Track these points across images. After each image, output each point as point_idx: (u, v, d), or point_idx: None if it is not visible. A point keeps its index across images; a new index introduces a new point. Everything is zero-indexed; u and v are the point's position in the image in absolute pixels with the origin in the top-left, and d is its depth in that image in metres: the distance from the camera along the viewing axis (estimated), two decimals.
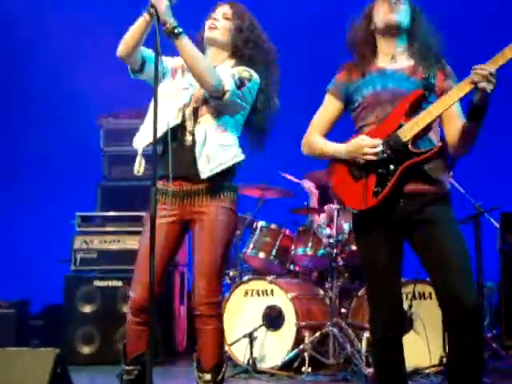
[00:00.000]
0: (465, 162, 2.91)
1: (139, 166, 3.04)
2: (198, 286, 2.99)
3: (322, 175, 5.18)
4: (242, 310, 4.81)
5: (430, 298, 4.56)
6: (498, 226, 5.16)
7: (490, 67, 2.54)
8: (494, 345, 4.91)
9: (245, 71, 3.06)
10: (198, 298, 2.99)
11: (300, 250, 4.95)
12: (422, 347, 4.47)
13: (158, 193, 2.88)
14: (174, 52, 3.00)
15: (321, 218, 5.23)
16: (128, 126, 5.40)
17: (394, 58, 2.84)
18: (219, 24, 3.16)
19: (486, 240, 4.88)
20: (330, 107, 2.92)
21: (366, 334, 4.52)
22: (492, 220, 5.09)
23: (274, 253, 5.04)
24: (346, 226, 4.90)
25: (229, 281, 5.15)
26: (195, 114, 3.05)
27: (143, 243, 2.97)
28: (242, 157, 3.08)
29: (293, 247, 5.01)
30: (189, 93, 3.07)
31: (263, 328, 4.71)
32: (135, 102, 4.85)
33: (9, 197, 6.52)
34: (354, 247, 4.81)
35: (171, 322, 5.38)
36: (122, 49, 3.02)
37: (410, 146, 2.68)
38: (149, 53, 3.06)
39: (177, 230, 3.04)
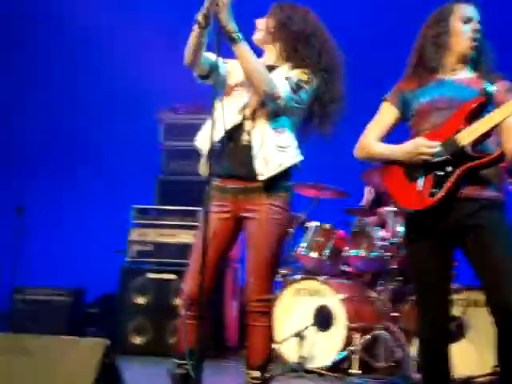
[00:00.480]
0: None
1: (204, 168, 3.08)
2: (250, 282, 3.02)
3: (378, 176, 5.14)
4: (293, 309, 4.82)
5: (485, 306, 4.47)
6: None
7: None
8: None
9: (303, 73, 3.06)
10: (249, 294, 3.02)
11: (353, 252, 4.94)
12: (475, 356, 4.39)
13: (213, 189, 2.96)
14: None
15: (375, 220, 5.20)
16: (187, 121, 5.48)
17: (454, 70, 2.86)
18: (260, 24, 3.19)
19: None
20: (386, 114, 2.92)
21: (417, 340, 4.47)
22: None
23: (326, 253, 5.04)
24: (401, 229, 4.85)
25: (281, 279, 5.16)
26: (254, 114, 3.06)
27: (199, 238, 2.98)
28: (299, 158, 3.08)
29: (346, 248, 4.99)
30: (249, 94, 3.09)
31: (313, 328, 4.70)
32: (195, 97, 4.90)
33: (69, 186, 6.66)
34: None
35: (223, 317, 5.42)
36: (186, 57, 3.06)
37: (469, 149, 2.66)
38: (214, 58, 3.02)
39: (231, 227, 3.07)
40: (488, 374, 4.27)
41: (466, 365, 4.03)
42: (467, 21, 2.81)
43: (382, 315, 4.70)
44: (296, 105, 3.04)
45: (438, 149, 2.67)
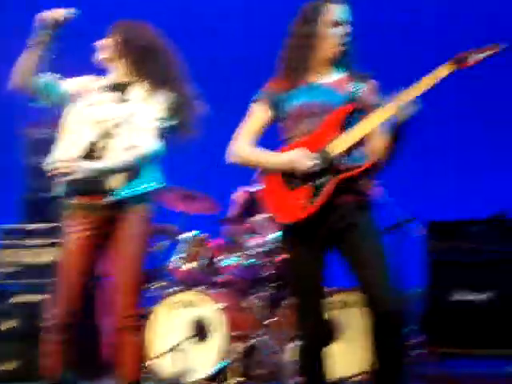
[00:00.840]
0: (390, 172, 2.96)
1: (59, 187, 3.06)
2: (117, 298, 2.97)
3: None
4: (169, 323, 4.72)
5: (357, 306, 4.59)
6: (422, 234, 5.26)
7: (415, 93, 2.62)
8: (418, 351, 4.98)
9: (162, 110, 3.12)
10: (117, 310, 2.98)
11: (228, 261, 4.93)
12: (349, 356, 4.48)
13: (72, 208, 2.96)
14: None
15: (248, 228, 5.21)
16: (51, 136, 5.26)
17: (321, 73, 2.91)
18: (103, 44, 3.24)
19: (410, 248, 4.96)
20: (258, 117, 2.92)
21: (293, 344, 4.51)
22: (417, 229, 5.18)
23: (201, 263, 4.99)
24: (273, 236, 4.89)
25: (156, 293, 5.06)
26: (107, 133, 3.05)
27: (62, 258, 2.99)
28: (155, 181, 3.12)
29: (220, 257, 4.97)
30: (99, 127, 3.07)
31: (190, 340, 4.63)
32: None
33: None
34: (280, 258, 4.81)
35: (95, 336, 5.23)
36: (16, 80, 3.04)
37: (342, 160, 2.75)
38: (48, 79, 3.06)
39: (93, 244, 3.05)
40: (362, 374, 4.37)
41: (341, 365, 4.08)
42: (336, 24, 2.83)
43: (258, 322, 4.71)
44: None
45: (315, 160, 2.73)
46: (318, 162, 2.73)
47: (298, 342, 2.92)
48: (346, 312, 4.55)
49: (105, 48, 3.23)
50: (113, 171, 2.97)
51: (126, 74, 3.21)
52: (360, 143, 2.79)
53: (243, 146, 2.88)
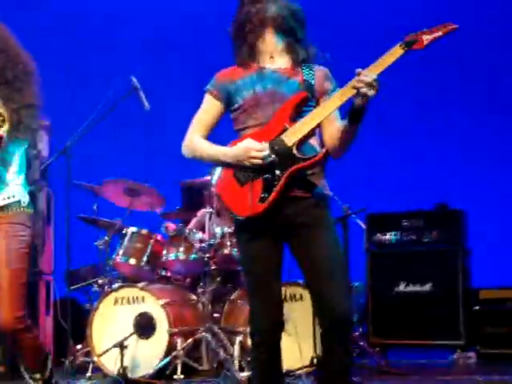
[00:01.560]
0: (332, 164, 2.96)
1: None
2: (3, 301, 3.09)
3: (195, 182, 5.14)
4: (113, 319, 4.67)
5: (302, 300, 4.61)
6: (364, 227, 5.33)
7: (373, 73, 2.56)
8: (361, 343, 5.05)
9: None
10: (4, 313, 3.09)
11: (172, 256, 4.88)
12: (294, 349, 4.51)
13: None
14: None
15: (194, 223, 5.19)
16: None
17: (272, 57, 2.82)
18: None
19: (353, 241, 5.01)
20: (210, 108, 2.85)
21: (239, 339, 4.52)
22: (358, 221, 5.24)
23: (145, 259, 4.95)
24: (218, 230, 4.88)
25: (98, 289, 5.00)
26: None
27: None
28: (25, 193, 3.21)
29: (164, 252, 4.93)
30: None
31: (135, 336, 4.59)
32: None
33: None
34: (226, 251, 4.81)
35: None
36: None
37: (295, 151, 2.68)
38: None
39: None
40: (307, 366, 4.40)
41: (285, 358, 4.05)
42: None
43: (203, 317, 4.69)
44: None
45: (266, 152, 2.67)
46: (267, 153, 2.67)
47: (251, 336, 2.89)
48: (289, 305, 4.57)
49: None
50: None
51: None
52: (313, 133, 2.75)
53: (194, 140, 2.83)
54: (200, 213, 5.35)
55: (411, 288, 5.25)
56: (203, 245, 4.77)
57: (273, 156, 2.67)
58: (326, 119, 2.75)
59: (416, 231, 5.36)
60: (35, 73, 3.28)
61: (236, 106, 2.81)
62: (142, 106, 4.82)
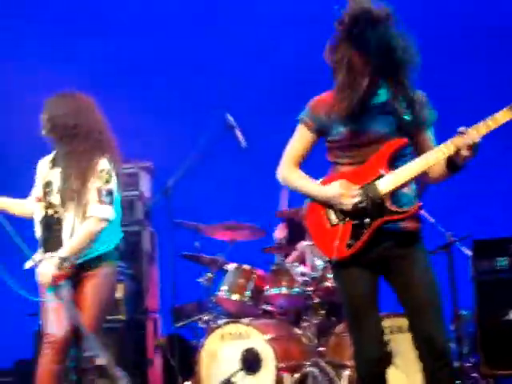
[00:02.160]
0: (433, 191, 2.92)
1: None
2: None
3: (293, 212, 5.14)
4: (220, 355, 4.70)
5: (408, 332, 4.51)
6: (470, 254, 5.18)
7: (475, 136, 2.56)
8: (473, 374, 4.88)
9: (103, 175, 3.53)
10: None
11: (274, 290, 4.89)
12: (403, 381, 4.42)
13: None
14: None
15: (294, 256, 5.19)
16: None
17: (369, 92, 2.73)
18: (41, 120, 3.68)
19: (458, 268, 4.89)
20: (303, 138, 2.84)
21: (347, 372, 4.46)
22: (464, 248, 5.10)
23: (247, 294, 4.97)
24: (320, 263, 4.85)
25: (203, 325, 5.05)
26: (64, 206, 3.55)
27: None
28: (109, 244, 3.60)
29: (267, 287, 4.94)
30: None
31: (242, 372, 4.61)
32: None
33: None
34: (328, 284, 4.77)
35: (146, 372, 5.25)
36: None
37: (387, 202, 2.68)
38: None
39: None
40: None
41: None
42: None
43: (309, 352, 4.66)
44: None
45: (358, 198, 2.66)
46: (360, 199, 2.67)
47: (357, 368, 2.87)
48: (397, 337, 4.49)
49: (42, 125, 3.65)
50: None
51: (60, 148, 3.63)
52: (407, 185, 2.72)
53: (287, 170, 2.86)
54: (300, 245, 5.35)
55: (502, 317, 5.05)
56: (305, 278, 4.76)
57: (364, 203, 2.66)
58: (422, 146, 2.75)
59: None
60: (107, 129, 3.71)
61: (330, 138, 2.79)
62: (238, 143, 4.91)
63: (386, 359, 2.86)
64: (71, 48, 7.06)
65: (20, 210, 3.77)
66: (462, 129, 2.58)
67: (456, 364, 5.01)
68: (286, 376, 4.54)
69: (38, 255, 3.50)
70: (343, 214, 2.70)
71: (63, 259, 3.37)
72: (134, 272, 4.16)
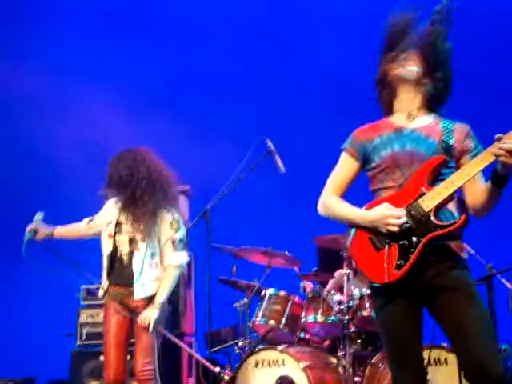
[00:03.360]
0: (474, 221, 2.86)
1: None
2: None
3: (330, 239, 5.10)
4: (254, 382, 4.67)
5: (446, 364, 4.44)
6: (510, 286, 5.07)
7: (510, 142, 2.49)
8: None
9: (173, 226, 4.09)
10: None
11: (310, 318, 4.85)
12: None
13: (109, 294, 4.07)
14: None
15: (331, 284, 5.15)
16: None
17: (410, 115, 2.79)
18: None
19: (499, 301, 4.80)
20: (346, 167, 2.85)
21: None
22: (504, 281, 5.00)
23: (283, 321, 4.93)
24: (357, 292, 4.81)
25: (238, 351, 5.04)
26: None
27: (108, 331, 4.02)
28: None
29: (303, 314, 4.91)
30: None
31: None
32: None
33: (11, 272, 6.44)
34: (365, 313, 4.72)
35: None
36: None
37: (432, 217, 2.62)
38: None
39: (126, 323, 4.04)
40: None
41: None
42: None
43: (345, 381, 4.60)
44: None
45: (404, 219, 2.62)
46: (404, 220, 2.62)
47: None
48: (434, 370, 4.41)
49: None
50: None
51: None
52: (450, 198, 2.67)
53: (330, 199, 2.83)
54: (337, 273, 5.32)
55: None
56: (342, 307, 4.72)
57: (409, 222, 2.62)
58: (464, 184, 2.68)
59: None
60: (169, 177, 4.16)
61: (373, 165, 2.79)
62: (277, 169, 4.91)
63: None
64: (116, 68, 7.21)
65: (72, 235, 4.29)
66: (498, 136, 2.52)
67: None
68: None
69: (105, 283, 4.08)
70: (389, 237, 2.65)
71: (161, 304, 4.01)
72: (170, 295, 4.18)
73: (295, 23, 7.40)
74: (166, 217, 4.07)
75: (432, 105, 2.81)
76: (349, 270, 4.80)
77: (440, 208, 2.65)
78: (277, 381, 4.62)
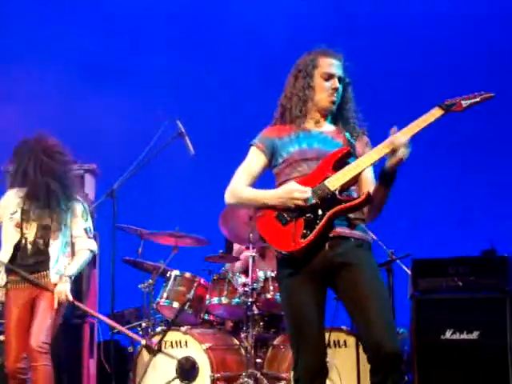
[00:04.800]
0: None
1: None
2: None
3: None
4: (156, 363, 4.65)
5: (346, 346, 4.56)
6: (409, 272, 5.24)
7: (408, 133, 2.70)
8: None
9: (84, 216, 4.28)
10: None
11: (215, 299, 4.86)
12: None
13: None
14: None
15: (239, 266, 5.18)
16: None
17: (318, 122, 3.01)
18: None
19: (398, 286, 4.95)
20: (255, 160, 3.00)
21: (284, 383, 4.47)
22: (404, 267, 5.17)
23: (188, 302, 4.93)
24: (262, 274, 4.86)
25: (141, 332, 5.00)
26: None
27: (9, 320, 4.09)
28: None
29: (207, 296, 4.92)
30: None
31: (177, 381, 4.57)
32: None
33: None
34: (269, 296, 4.78)
35: (81, 377, 5.15)
36: None
37: (337, 194, 2.78)
38: None
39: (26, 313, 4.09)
40: None
41: None
42: (329, 78, 2.97)
43: (246, 363, 4.64)
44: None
45: (309, 194, 2.76)
46: (310, 195, 2.77)
47: (296, 381, 2.86)
48: (333, 352, 4.52)
49: None
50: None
51: None
52: (355, 181, 2.85)
53: (239, 186, 2.95)
54: (243, 256, 5.35)
55: (458, 336, 5.12)
56: (246, 289, 4.75)
57: (315, 198, 2.77)
58: (362, 181, 2.90)
59: (462, 278, 5.25)
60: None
61: (280, 160, 2.95)
62: (187, 150, 4.88)
63: (325, 373, 2.86)
64: None
65: None
66: (393, 129, 2.73)
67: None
68: None
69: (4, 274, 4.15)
70: (295, 211, 2.78)
71: (71, 277, 4.16)
72: None
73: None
74: (77, 208, 4.27)
75: (335, 113, 3.04)
76: (254, 253, 4.83)
77: (344, 189, 2.81)
78: (179, 362, 4.62)
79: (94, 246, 4.33)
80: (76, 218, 4.26)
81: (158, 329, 4.83)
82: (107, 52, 7.29)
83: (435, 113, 2.76)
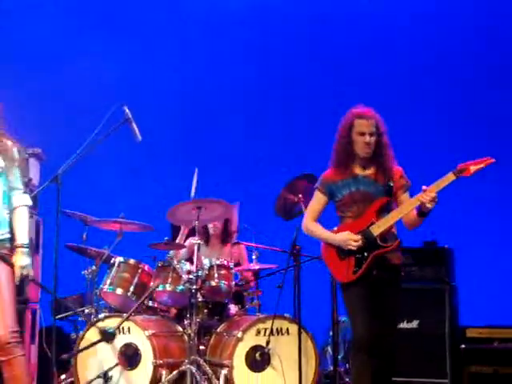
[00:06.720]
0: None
1: None
2: None
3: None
4: (98, 349, 4.64)
5: (288, 334, 4.62)
6: None
7: (434, 191, 3.66)
8: (347, 379, 5.03)
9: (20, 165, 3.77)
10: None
11: (159, 286, 4.86)
12: (280, 382, 4.52)
13: None
14: None
15: (181, 254, 5.18)
16: None
17: (362, 167, 3.93)
18: None
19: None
20: (319, 200, 4.00)
21: (224, 372, 4.51)
22: None
23: (132, 289, 4.93)
24: (207, 262, 4.89)
25: (84, 318, 4.97)
26: None
27: None
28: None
29: (152, 283, 4.91)
30: None
31: (119, 367, 4.57)
32: None
33: None
34: (213, 283, 4.81)
35: None
36: None
37: (378, 240, 3.79)
38: None
39: None
40: None
41: None
42: (361, 134, 3.87)
43: (189, 349, 4.66)
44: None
45: (360, 242, 3.78)
46: (360, 243, 3.77)
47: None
48: (275, 339, 4.58)
49: None
50: None
51: None
52: (391, 226, 3.85)
53: (311, 224, 4.01)
54: (188, 243, 5.36)
55: (398, 325, 5.23)
56: (191, 276, 4.76)
57: (362, 243, 3.77)
58: (400, 200, 3.89)
59: (404, 268, 5.36)
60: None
61: (337, 199, 3.95)
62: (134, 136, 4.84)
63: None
64: None
65: None
66: (424, 187, 3.67)
67: (331, 368, 5.18)
68: (164, 373, 4.54)
69: None
70: (349, 252, 3.81)
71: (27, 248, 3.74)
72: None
73: None
74: (14, 151, 3.77)
75: (378, 163, 3.94)
76: (199, 240, 4.85)
77: (385, 233, 3.81)
78: (121, 348, 4.62)
79: (30, 201, 3.81)
80: (14, 162, 3.68)
81: (101, 315, 4.80)
82: (54, 33, 7.18)
83: (449, 177, 3.69)
